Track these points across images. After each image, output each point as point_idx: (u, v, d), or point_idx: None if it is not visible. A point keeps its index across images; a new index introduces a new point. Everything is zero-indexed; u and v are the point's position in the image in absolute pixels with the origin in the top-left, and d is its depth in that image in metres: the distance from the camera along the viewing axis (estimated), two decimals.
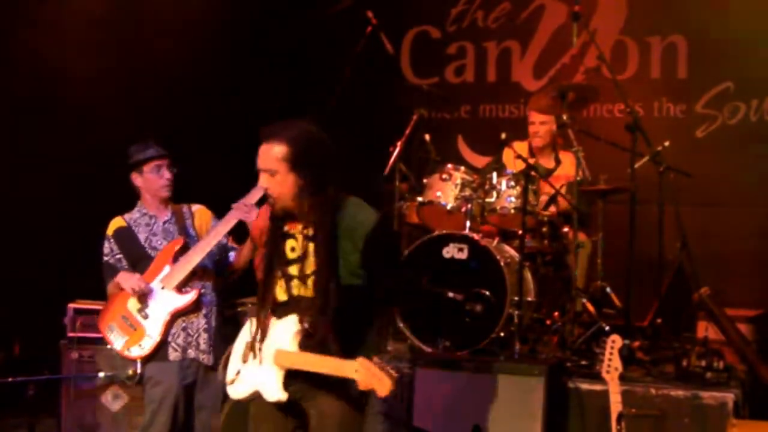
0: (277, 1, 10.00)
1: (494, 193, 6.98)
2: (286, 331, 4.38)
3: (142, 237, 5.96)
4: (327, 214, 4.39)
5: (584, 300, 7.02)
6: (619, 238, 7.19)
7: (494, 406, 6.15)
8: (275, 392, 4.36)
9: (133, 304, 5.87)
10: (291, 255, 4.49)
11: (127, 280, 5.83)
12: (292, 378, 4.37)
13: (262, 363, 4.42)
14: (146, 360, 5.87)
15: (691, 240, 7.35)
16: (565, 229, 7.22)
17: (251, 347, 4.49)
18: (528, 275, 6.86)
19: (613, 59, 8.76)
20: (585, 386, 6.15)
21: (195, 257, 5.85)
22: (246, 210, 5.58)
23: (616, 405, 5.39)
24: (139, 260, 5.92)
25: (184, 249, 5.93)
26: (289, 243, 4.49)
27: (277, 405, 4.45)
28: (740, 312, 7.65)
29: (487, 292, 6.59)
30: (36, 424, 7.24)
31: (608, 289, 7.32)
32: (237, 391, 4.55)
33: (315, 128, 4.48)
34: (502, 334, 6.64)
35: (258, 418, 4.63)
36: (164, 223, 6.02)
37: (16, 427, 7.34)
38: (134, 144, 6.03)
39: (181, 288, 5.86)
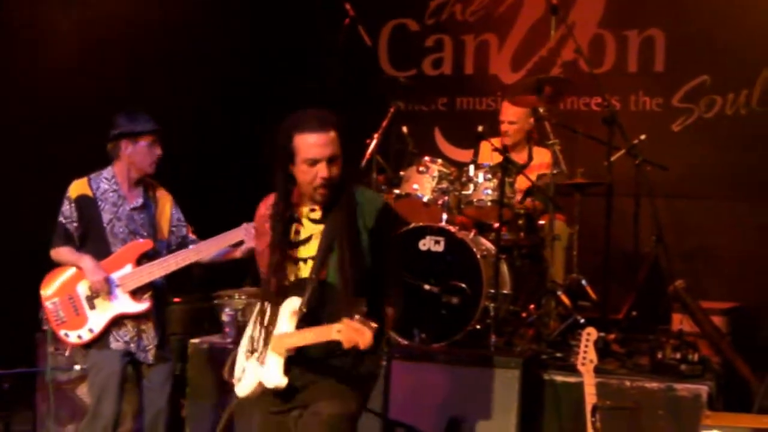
0: None
1: (471, 186, 6.97)
2: (285, 313, 4.38)
3: (105, 217, 5.89)
4: (349, 194, 4.43)
5: (560, 293, 7.03)
6: (596, 231, 7.22)
7: (470, 398, 6.18)
8: (275, 377, 4.34)
9: (83, 288, 5.86)
10: (296, 238, 4.47)
11: (92, 273, 5.80)
12: (298, 381, 4.39)
13: (264, 352, 4.41)
14: (86, 347, 5.90)
15: (667, 233, 7.37)
16: (542, 222, 7.23)
17: (254, 337, 4.48)
18: (504, 268, 6.86)
19: (590, 52, 8.76)
20: (560, 378, 6.18)
21: (159, 272, 5.86)
22: (252, 236, 5.60)
23: (590, 397, 5.41)
24: (95, 240, 5.88)
25: (149, 254, 5.93)
26: (294, 226, 4.48)
27: (279, 413, 4.47)
28: (715, 305, 7.68)
29: (464, 285, 6.59)
30: (11, 417, 7.22)
31: (584, 282, 7.34)
32: (242, 388, 4.52)
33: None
34: (478, 327, 6.65)
35: (260, 425, 4.61)
36: (131, 209, 5.97)
37: None
38: (124, 112, 5.98)
39: (136, 293, 5.86)
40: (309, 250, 4.44)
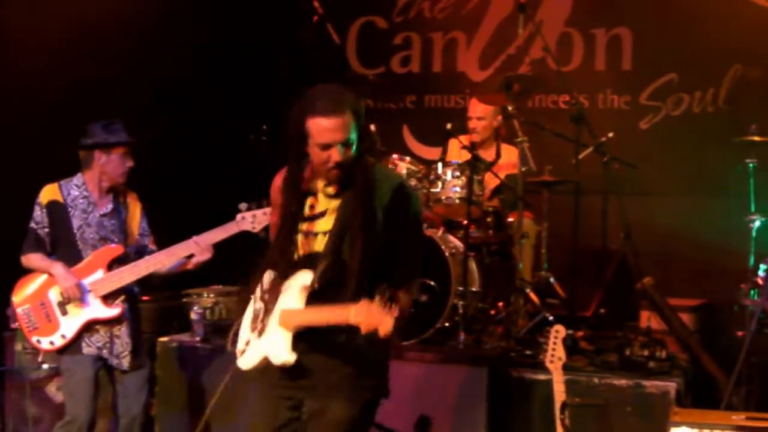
0: None
1: (439, 184, 6.97)
2: (295, 287, 4.27)
3: (75, 223, 5.91)
4: (366, 171, 4.32)
5: (528, 290, 7.04)
6: (564, 229, 7.24)
7: (439, 396, 6.18)
8: (283, 354, 4.22)
9: (55, 294, 5.86)
10: (309, 212, 4.38)
11: (64, 279, 5.80)
12: (305, 360, 4.28)
13: (270, 326, 4.31)
14: (59, 353, 5.89)
15: (635, 230, 7.40)
16: (510, 219, 7.24)
17: (258, 311, 4.39)
18: (473, 265, 6.87)
19: (558, 51, 8.79)
20: (529, 376, 6.17)
21: (129, 277, 5.86)
22: (201, 250, 5.65)
23: (559, 394, 5.43)
24: (65, 246, 5.89)
25: (121, 258, 5.92)
26: (309, 200, 4.39)
27: (282, 392, 4.37)
28: (683, 301, 7.72)
29: (432, 283, 6.59)
30: None
31: (552, 279, 7.35)
32: (246, 361, 4.39)
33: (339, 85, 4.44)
34: (446, 324, 6.65)
35: (258, 399, 4.52)
36: (101, 215, 5.97)
37: None
38: (99, 121, 5.97)
39: (107, 298, 5.85)
40: (324, 225, 4.33)
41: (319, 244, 4.32)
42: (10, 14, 7.75)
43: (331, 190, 4.36)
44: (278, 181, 4.52)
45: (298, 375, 4.30)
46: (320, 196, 4.39)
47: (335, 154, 4.21)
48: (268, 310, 4.33)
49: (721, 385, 6.56)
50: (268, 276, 4.41)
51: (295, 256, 4.35)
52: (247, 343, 4.43)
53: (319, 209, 4.38)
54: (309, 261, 4.31)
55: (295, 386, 4.34)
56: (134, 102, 7.90)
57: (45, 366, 6.95)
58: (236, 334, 4.52)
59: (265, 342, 4.31)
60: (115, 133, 5.99)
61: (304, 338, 4.24)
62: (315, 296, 4.24)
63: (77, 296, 5.78)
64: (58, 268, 5.82)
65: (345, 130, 4.21)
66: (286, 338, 4.23)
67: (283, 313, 4.26)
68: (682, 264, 8.48)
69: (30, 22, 7.86)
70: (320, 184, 4.38)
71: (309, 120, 4.22)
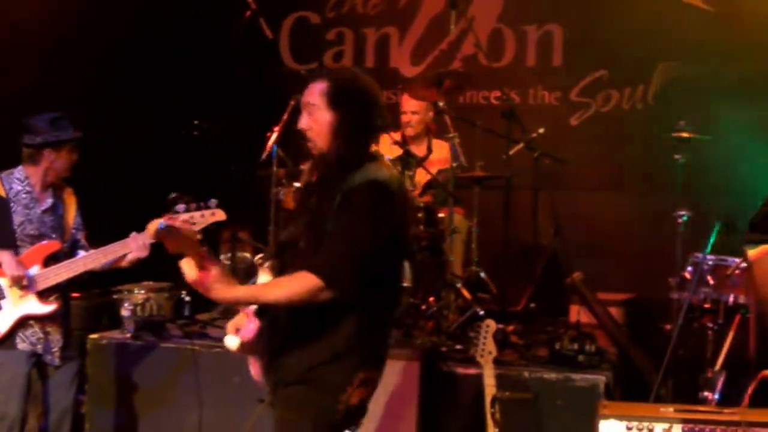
0: None
1: None
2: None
3: (16, 219, 5.83)
4: (339, 167, 4.19)
5: (459, 285, 7.06)
6: (495, 224, 7.27)
7: None
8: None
9: None
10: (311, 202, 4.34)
11: (11, 265, 5.71)
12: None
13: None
14: None
15: (565, 225, 7.49)
16: (441, 215, 7.26)
17: None
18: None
19: (489, 47, 8.85)
20: (460, 370, 6.19)
21: (66, 274, 5.79)
22: (138, 248, 5.58)
23: (490, 388, 5.47)
24: (5, 241, 5.80)
25: (57, 254, 5.85)
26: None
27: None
28: (611, 296, 7.80)
29: None
30: None
31: (483, 274, 7.37)
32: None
33: (362, 74, 4.36)
34: None
35: None
36: (42, 211, 5.91)
37: None
38: (45, 117, 5.89)
39: (43, 294, 5.79)
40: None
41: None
42: None
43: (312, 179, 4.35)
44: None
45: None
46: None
47: (301, 120, 4.23)
48: None
49: (649, 378, 6.64)
50: None
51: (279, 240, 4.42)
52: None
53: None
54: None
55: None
56: (59, 96, 7.82)
57: None
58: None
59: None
60: (64, 130, 5.90)
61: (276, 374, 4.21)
62: None
63: (21, 283, 5.70)
64: (4, 254, 5.73)
65: (312, 94, 4.21)
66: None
67: None
68: (611, 259, 8.55)
69: None
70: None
71: None
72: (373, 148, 4.34)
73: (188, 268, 3.97)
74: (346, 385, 4.11)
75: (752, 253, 3.42)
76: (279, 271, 4.26)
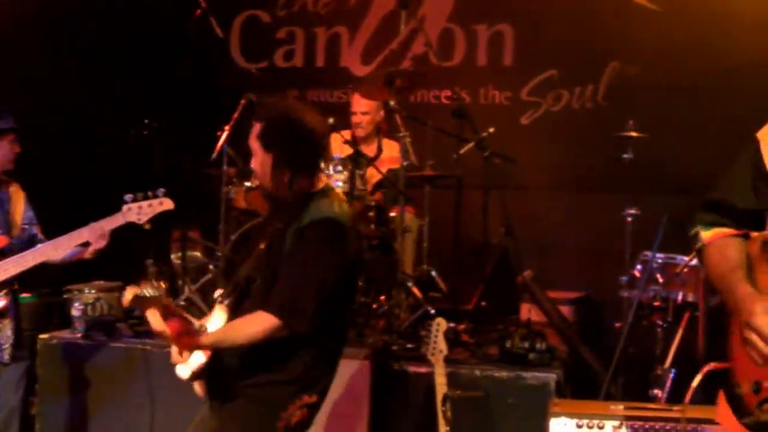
0: None
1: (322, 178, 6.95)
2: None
3: None
4: (290, 206, 4.26)
5: (410, 284, 7.07)
6: (446, 223, 7.29)
7: None
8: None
9: None
10: None
11: None
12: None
13: None
14: None
15: (516, 224, 7.49)
16: (392, 214, 7.26)
17: None
18: None
19: (440, 46, 8.85)
20: (411, 369, 6.20)
21: (15, 269, 5.72)
22: (96, 238, 5.50)
23: (441, 387, 5.47)
24: None
25: (4, 250, 5.79)
26: None
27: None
28: (562, 294, 7.83)
29: None
30: None
31: (434, 273, 7.37)
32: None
33: (297, 107, 4.36)
34: None
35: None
36: None
37: None
38: None
39: None
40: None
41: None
42: None
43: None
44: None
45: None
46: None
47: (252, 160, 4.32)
48: None
49: (599, 375, 6.68)
50: None
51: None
52: None
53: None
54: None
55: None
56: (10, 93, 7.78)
57: None
58: None
59: None
60: (3, 119, 5.86)
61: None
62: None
63: None
64: None
65: (252, 138, 4.27)
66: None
67: None
68: (562, 257, 8.61)
69: None
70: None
71: None
72: (322, 181, 4.39)
73: (154, 319, 3.98)
74: (287, 404, 4.17)
75: (706, 235, 3.43)
76: (234, 308, 4.31)
